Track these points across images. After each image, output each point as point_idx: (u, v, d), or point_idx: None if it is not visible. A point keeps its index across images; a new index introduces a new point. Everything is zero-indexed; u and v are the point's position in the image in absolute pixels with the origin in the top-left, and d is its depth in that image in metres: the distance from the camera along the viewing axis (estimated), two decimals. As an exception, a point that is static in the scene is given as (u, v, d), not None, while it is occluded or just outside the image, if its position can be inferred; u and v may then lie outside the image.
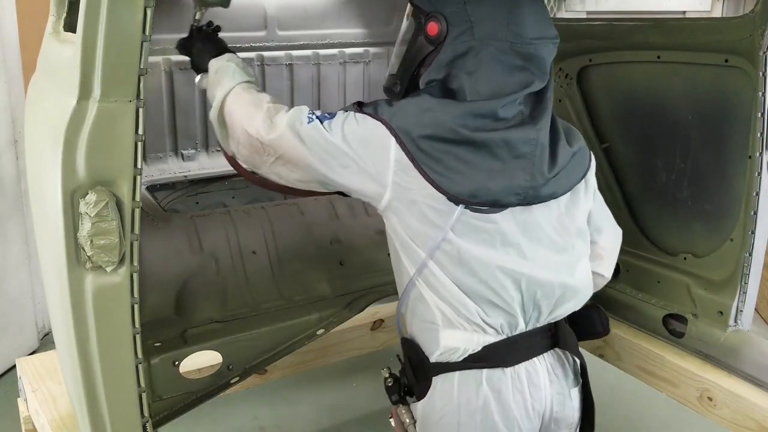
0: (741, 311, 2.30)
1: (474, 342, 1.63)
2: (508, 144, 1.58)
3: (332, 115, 1.62)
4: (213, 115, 1.81)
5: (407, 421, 1.76)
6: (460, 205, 1.56)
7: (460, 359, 1.64)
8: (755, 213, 2.18)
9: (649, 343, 2.50)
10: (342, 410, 3.38)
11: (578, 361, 1.75)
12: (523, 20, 1.58)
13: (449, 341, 1.63)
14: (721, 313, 2.31)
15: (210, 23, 2.08)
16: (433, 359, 1.67)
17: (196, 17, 2.06)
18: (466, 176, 1.55)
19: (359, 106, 1.64)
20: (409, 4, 1.72)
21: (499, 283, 1.61)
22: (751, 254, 2.23)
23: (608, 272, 1.91)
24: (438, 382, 1.67)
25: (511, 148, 1.58)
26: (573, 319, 1.78)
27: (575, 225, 1.74)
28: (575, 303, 1.75)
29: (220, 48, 1.94)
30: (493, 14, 1.58)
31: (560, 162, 1.66)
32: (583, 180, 1.74)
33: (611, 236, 1.90)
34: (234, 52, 1.93)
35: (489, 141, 1.56)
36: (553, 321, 1.73)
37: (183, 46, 2.06)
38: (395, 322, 1.80)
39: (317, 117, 1.62)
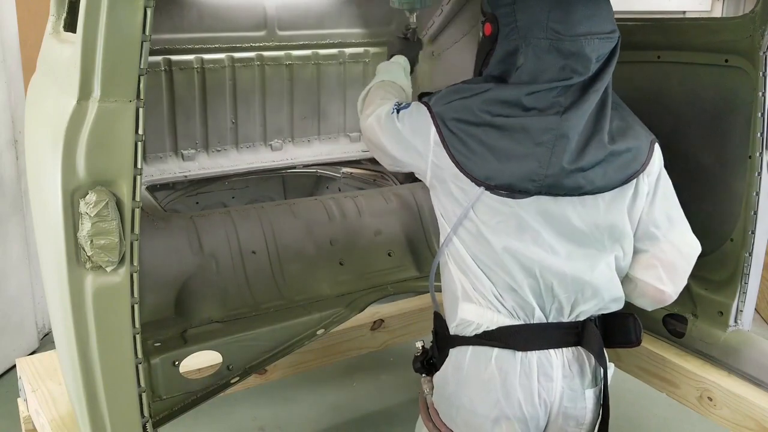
0: (741, 311, 2.30)
1: (487, 319, 1.70)
2: (526, 130, 1.63)
3: (407, 107, 1.82)
4: (359, 111, 2.07)
5: (426, 390, 1.88)
6: (482, 186, 1.65)
7: (473, 334, 1.72)
8: (755, 213, 2.18)
9: (649, 343, 2.50)
10: (342, 410, 3.38)
11: (601, 365, 1.75)
12: (566, 17, 1.61)
13: (465, 314, 1.73)
14: (721, 313, 2.32)
15: (407, 26, 2.40)
16: (451, 331, 1.78)
17: (410, 20, 2.38)
18: (484, 159, 1.64)
19: (420, 97, 1.83)
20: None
21: (508, 265, 1.67)
22: (751, 254, 2.23)
23: (669, 287, 1.79)
24: (453, 354, 1.78)
25: (530, 135, 1.63)
26: (607, 324, 1.78)
27: (611, 225, 1.72)
28: (598, 302, 1.74)
29: (398, 50, 2.29)
30: (534, 12, 1.63)
31: (589, 157, 1.65)
32: (632, 183, 1.71)
33: (671, 248, 1.78)
34: (408, 55, 2.27)
35: (507, 125, 1.64)
36: (579, 319, 1.73)
37: None
38: (429, 287, 1.96)
39: (397, 109, 1.83)
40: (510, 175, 1.63)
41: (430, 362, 1.89)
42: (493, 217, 1.67)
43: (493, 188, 1.65)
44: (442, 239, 1.78)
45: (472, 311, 1.72)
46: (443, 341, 1.82)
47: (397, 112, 1.82)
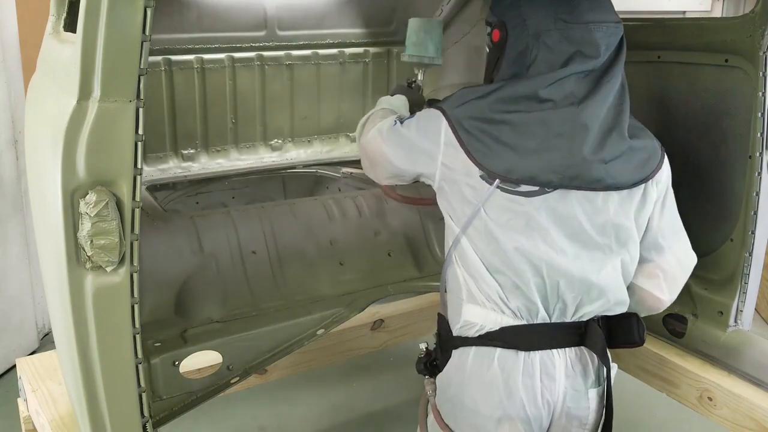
0: (741, 311, 2.30)
1: (491, 320, 1.71)
2: (545, 123, 1.64)
3: (411, 117, 1.86)
4: (357, 134, 2.11)
5: (429, 392, 1.89)
6: (494, 183, 1.65)
7: (476, 335, 1.72)
8: (755, 213, 2.18)
9: (649, 343, 2.50)
10: (342, 410, 3.38)
11: (604, 364, 1.75)
12: (572, 8, 1.66)
13: (468, 315, 1.74)
14: (721, 313, 2.32)
15: (410, 79, 2.36)
16: (454, 332, 1.78)
17: (417, 74, 2.35)
18: (502, 155, 1.65)
19: (430, 103, 1.89)
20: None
21: (517, 264, 1.67)
22: (751, 254, 2.23)
23: (667, 296, 1.86)
24: (456, 355, 1.78)
25: (548, 128, 1.64)
26: (610, 324, 1.78)
27: (618, 227, 1.72)
28: (603, 304, 1.74)
29: (401, 93, 2.26)
30: (542, 9, 1.67)
31: (610, 149, 1.66)
32: (644, 185, 1.72)
33: (674, 260, 1.84)
34: (409, 97, 2.26)
35: (527, 120, 1.65)
36: (582, 319, 1.74)
37: None
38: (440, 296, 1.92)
39: (400, 120, 1.87)
40: (532, 167, 1.64)
41: (433, 364, 1.89)
42: (502, 215, 1.67)
43: (512, 181, 1.65)
44: (449, 241, 1.78)
45: (476, 313, 1.73)
46: (446, 342, 1.82)
47: (401, 122, 1.86)
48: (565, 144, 1.63)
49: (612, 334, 1.77)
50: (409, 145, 1.81)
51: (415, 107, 2.21)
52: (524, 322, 1.70)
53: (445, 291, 1.86)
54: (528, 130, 1.65)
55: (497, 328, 1.70)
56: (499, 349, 1.71)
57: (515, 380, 1.69)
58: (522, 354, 1.69)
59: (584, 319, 1.74)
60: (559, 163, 1.64)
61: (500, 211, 1.67)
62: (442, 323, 1.86)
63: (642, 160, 1.72)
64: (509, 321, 1.70)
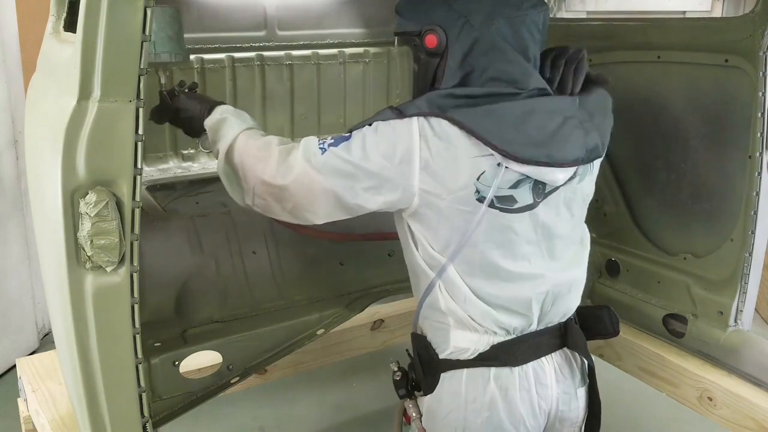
0: (741, 311, 2.30)
1: (483, 343, 1.66)
2: (555, 110, 1.56)
3: (347, 137, 1.58)
4: (219, 170, 1.72)
5: (414, 415, 1.80)
6: (485, 203, 1.53)
7: (470, 358, 1.67)
8: (755, 213, 2.18)
9: (649, 343, 2.50)
10: (342, 410, 3.38)
11: (586, 361, 1.75)
12: None
13: (459, 342, 1.67)
14: (721, 313, 2.32)
15: (182, 83, 1.97)
16: (442, 356, 1.70)
17: (162, 81, 1.94)
18: (533, 142, 1.52)
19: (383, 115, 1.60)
20: (396, 38, 1.71)
21: (519, 287, 1.63)
22: (751, 254, 2.23)
23: None
24: (446, 378, 1.70)
25: (560, 113, 1.56)
26: (583, 318, 1.79)
27: (584, 211, 1.74)
28: (580, 299, 1.77)
29: (209, 104, 1.83)
30: (479, 2, 1.57)
31: (595, 118, 1.64)
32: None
33: None
34: (223, 102, 1.86)
35: (538, 105, 1.54)
36: (563, 320, 1.74)
37: (160, 116, 1.90)
38: (413, 318, 1.78)
39: (329, 144, 1.58)
40: (562, 149, 1.54)
41: (412, 385, 1.81)
42: (500, 237, 1.59)
43: (555, 165, 1.53)
44: (429, 270, 1.64)
45: (466, 338, 1.67)
46: (429, 365, 1.73)
47: (334, 146, 1.57)
48: (575, 123, 1.57)
49: (586, 328, 1.78)
50: (366, 176, 1.55)
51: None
52: (514, 336, 1.67)
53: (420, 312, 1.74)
54: (541, 114, 1.54)
55: (488, 347, 1.66)
56: (494, 369, 1.66)
57: (513, 397, 1.66)
58: (516, 369, 1.66)
59: (564, 319, 1.74)
60: (581, 141, 1.58)
61: (497, 232, 1.58)
62: (421, 344, 1.75)
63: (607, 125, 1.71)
64: (500, 339, 1.66)
